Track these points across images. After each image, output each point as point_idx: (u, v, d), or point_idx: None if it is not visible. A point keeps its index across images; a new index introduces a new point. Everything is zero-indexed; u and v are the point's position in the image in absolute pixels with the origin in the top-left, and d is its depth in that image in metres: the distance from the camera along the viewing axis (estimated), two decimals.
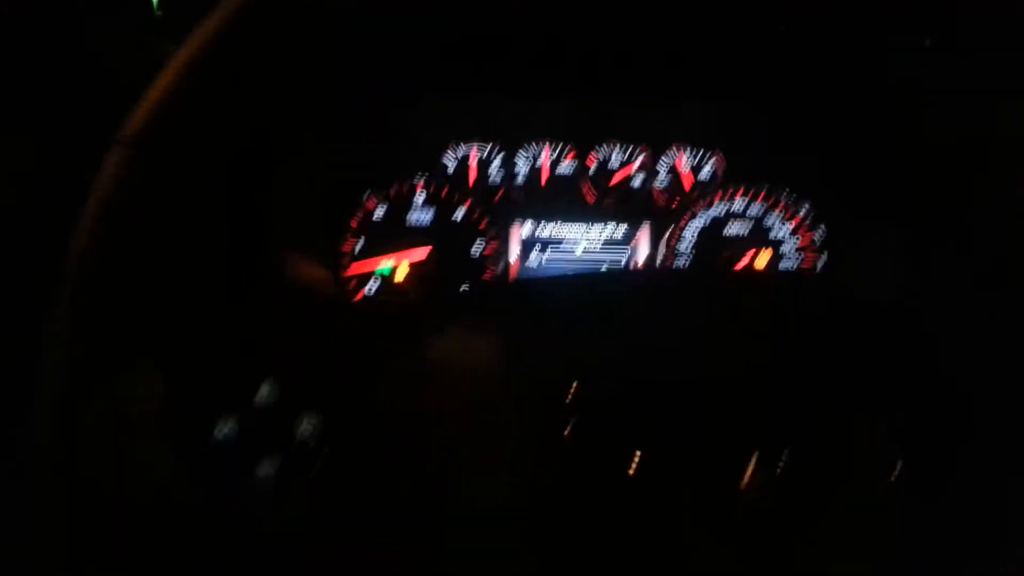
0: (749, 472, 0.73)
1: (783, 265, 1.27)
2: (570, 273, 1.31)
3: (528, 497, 0.79)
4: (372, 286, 1.31)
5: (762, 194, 1.28)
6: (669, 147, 1.32)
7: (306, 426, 0.80)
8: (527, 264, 1.32)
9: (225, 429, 0.78)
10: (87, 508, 0.66)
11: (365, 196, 1.32)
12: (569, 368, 0.85)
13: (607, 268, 1.31)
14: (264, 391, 0.81)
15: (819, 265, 1.27)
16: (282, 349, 0.89)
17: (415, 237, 1.31)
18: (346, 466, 0.82)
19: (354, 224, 1.31)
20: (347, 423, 0.83)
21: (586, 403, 0.81)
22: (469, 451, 0.81)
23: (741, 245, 1.27)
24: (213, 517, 0.76)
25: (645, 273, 1.25)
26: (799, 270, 1.28)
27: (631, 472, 0.76)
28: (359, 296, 1.31)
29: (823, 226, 1.27)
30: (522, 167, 1.34)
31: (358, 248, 1.31)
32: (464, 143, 1.35)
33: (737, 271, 1.25)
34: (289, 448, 0.79)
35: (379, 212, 1.32)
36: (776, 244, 1.28)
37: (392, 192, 1.32)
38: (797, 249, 1.28)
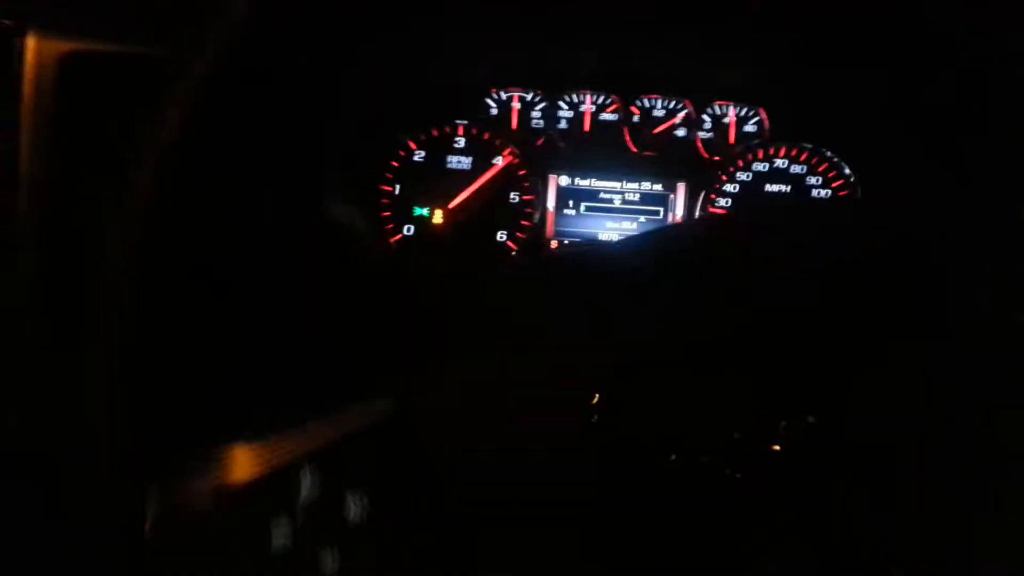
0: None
1: None
2: (607, 230, 1.31)
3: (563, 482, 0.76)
4: (410, 228, 1.32)
5: (804, 154, 1.27)
6: (712, 101, 1.31)
7: (355, 508, 0.73)
8: (564, 214, 1.32)
9: (281, 538, 0.65)
10: None
11: (405, 138, 1.32)
12: (607, 339, 0.84)
13: (643, 223, 1.31)
14: (305, 484, 0.67)
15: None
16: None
17: (454, 181, 1.31)
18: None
19: (394, 165, 1.32)
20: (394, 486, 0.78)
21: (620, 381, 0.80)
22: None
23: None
24: None
25: (683, 226, 1.26)
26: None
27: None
28: (396, 238, 1.31)
29: (861, 189, 1.26)
30: (564, 115, 1.33)
31: (397, 190, 1.32)
32: (506, 89, 1.34)
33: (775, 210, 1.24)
34: (344, 535, 0.69)
35: (418, 155, 1.32)
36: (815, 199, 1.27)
37: (432, 135, 1.32)
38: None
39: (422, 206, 1.31)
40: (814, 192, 1.27)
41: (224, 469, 0.62)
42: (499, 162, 1.31)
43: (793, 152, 1.28)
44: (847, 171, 1.26)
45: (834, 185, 1.27)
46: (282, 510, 0.66)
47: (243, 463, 0.63)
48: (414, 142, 1.32)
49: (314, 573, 0.67)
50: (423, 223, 1.31)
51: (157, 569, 0.61)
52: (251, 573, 0.63)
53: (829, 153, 1.27)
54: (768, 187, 1.28)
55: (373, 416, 0.78)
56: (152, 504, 0.60)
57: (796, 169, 1.28)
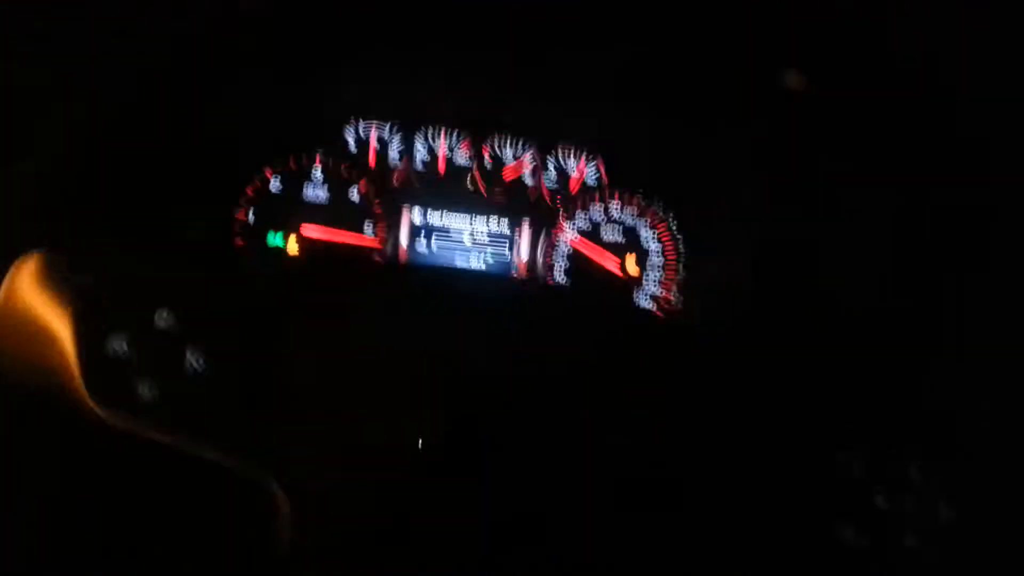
0: None
1: (650, 266, 1.39)
2: (456, 266, 1.39)
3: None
4: (263, 255, 1.36)
5: (636, 200, 1.38)
6: (555, 146, 1.40)
7: (191, 362, 0.92)
8: (416, 249, 1.39)
9: (117, 344, 0.90)
10: None
11: (262, 167, 1.34)
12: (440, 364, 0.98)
13: (489, 261, 1.39)
14: (161, 316, 0.91)
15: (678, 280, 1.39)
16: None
17: (310, 212, 1.35)
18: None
19: (250, 193, 1.35)
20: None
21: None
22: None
23: (615, 249, 1.38)
24: None
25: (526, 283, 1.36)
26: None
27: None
28: (248, 262, 1.35)
29: (683, 236, 1.38)
30: (420, 153, 1.39)
31: (251, 217, 1.35)
32: (364, 120, 1.38)
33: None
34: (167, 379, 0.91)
35: (275, 184, 1.35)
36: (644, 250, 1.39)
37: (289, 165, 1.35)
38: (660, 255, 1.39)
39: (277, 234, 1.35)
40: (641, 237, 1.39)
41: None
42: (354, 194, 1.36)
43: (629, 201, 1.39)
44: (671, 221, 1.38)
45: (658, 227, 1.39)
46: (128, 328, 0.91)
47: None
48: (271, 171, 1.35)
49: (128, 396, 0.89)
50: (278, 252, 1.36)
51: None
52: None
53: (660, 202, 1.38)
54: (603, 233, 1.39)
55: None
56: None
57: (627, 217, 1.39)
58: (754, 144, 1.26)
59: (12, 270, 0.95)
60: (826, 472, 0.96)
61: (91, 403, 0.91)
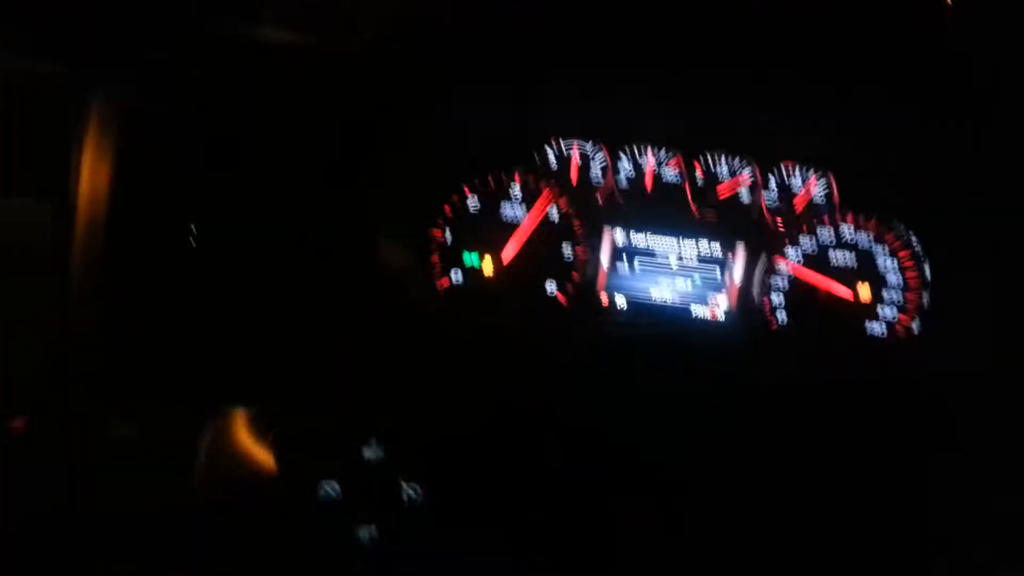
0: None
1: (886, 300, 1.23)
2: (660, 289, 1.28)
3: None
4: (459, 276, 1.30)
5: (872, 223, 1.23)
6: (779, 161, 1.27)
7: (409, 490, 0.82)
8: (617, 270, 1.29)
9: (328, 488, 0.83)
10: None
11: (460, 184, 1.30)
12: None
13: (699, 284, 1.27)
14: (370, 450, 0.84)
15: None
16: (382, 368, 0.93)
17: (507, 232, 1.28)
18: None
19: (448, 212, 1.30)
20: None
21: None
22: None
23: (845, 276, 1.22)
24: None
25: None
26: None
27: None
28: (444, 283, 1.30)
29: (928, 264, 1.21)
30: (625, 170, 1.30)
31: (449, 237, 1.30)
32: (565, 139, 1.31)
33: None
34: (393, 513, 0.82)
35: (472, 203, 1.30)
36: (881, 279, 1.23)
37: (487, 184, 1.30)
38: (901, 287, 1.22)
39: (473, 254, 1.29)
40: (880, 261, 1.23)
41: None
42: (554, 213, 1.29)
43: (861, 221, 1.23)
44: (916, 245, 1.21)
45: (900, 255, 1.22)
46: (335, 473, 0.85)
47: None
48: (469, 189, 1.30)
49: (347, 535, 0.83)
50: (473, 272, 1.29)
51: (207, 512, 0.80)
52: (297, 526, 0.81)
53: (900, 225, 1.22)
54: (832, 258, 1.24)
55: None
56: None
57: (862, 239, 1.23)
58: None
59: (210, 429, 0.91)
60: None
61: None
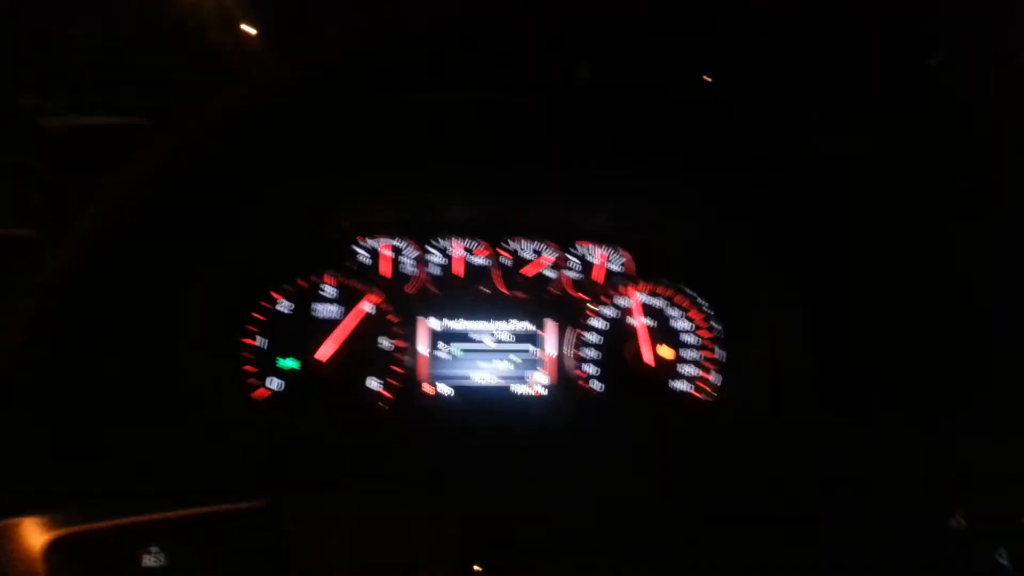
0: None
1: (685, 357, 1.31)
2: (480, 370, 1.31)
3: None
4: (277, 382, 1.26)
5: (667, 289, 1.33)
6: (575, 242, 1.36)
7: None
8: (437, 356, 1.30)
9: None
10: None
11: (268, 289, 1.28)
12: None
13: (516, 362, 1.31)
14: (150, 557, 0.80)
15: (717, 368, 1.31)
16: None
17: (323, 332, 1.27)
18: None
19: (259, 318, 1.27)
20: None
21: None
22: None
23: (647, 340, 1.30)
24: None
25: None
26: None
27: None
28: (261, 393, 1.25)
29: (721, 324, 1.32)
30: (435, 260, 1.34)
31: (262, 343, 1.27)
32: (371, 238, 1.35)
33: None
34: None
35: (284, 306, 1.29)
36: (679, 340, 1.32)
37: (298, 286, 1.29)
38: (697, 346, 1.32)
39: (288, 359, 1.27)
40: (672, 323, 1.32)
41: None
42: (367, 307, 1.29)
43: (656, 289, 1.33)
44: (704, 306, 1.32)
45: (690, 314, 1.33)
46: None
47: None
48: (279, 293, 1.28)
49: None
50: (291, 375, 1.26)
51: None
52: None
53: (688, 290, 1.33)
54: (633, 322, 1.32)
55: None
56: None
57: (658, 303, 1.33)
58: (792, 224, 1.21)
59: None
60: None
61: None
